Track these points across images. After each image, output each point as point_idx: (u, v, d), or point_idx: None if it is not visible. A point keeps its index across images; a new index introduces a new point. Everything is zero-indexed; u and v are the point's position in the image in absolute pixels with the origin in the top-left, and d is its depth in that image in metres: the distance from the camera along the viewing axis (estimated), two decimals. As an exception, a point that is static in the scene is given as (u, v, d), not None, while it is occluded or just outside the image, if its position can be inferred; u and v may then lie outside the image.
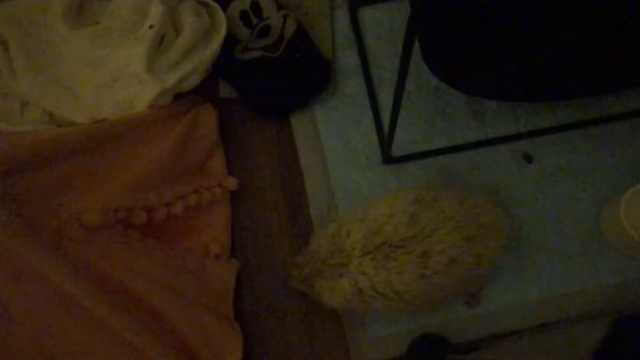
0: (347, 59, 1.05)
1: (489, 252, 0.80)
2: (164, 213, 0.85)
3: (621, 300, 0.92)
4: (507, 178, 0.98)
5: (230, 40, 0.97)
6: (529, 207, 0.97)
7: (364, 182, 0.98)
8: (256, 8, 0.99)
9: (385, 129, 0.95)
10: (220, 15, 0.94)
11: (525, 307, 0.92)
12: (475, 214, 0.80)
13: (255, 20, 0.98)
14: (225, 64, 0.98)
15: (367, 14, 1.07)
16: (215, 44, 0.93)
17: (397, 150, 0.98)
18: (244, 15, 0.98)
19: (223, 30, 0.93)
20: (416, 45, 0.67)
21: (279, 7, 0.99)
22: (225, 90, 1.02)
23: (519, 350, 0.89)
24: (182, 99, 0.94)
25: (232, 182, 0.95)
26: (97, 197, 0.80)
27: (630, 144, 0.99)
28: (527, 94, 0.91)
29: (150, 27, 0.87)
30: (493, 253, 0.81)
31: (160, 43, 0.89)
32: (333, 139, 1.00)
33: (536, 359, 0.89)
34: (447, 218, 0.76)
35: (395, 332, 0.91)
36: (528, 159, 0.99)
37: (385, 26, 1.06)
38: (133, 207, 0.81)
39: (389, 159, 0.98)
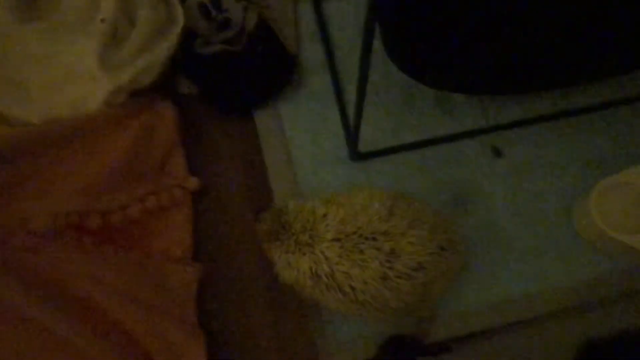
0: (312, 52, 1.01)
1: (450, 271, 0.77)
2: (120, 217, 0.81)
3: (594, 296, 0.91)
4: (476, 173, 0.96)
5: (189, 34, 0.93)
6: (499, 202, 0.95)
7: (332, 180, 0.95)
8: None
9: (352, 124, 0.92)
10: (178, 7, 0.90)
11: (497, 305, 0.90)
12: (446, 227, 0.77)
13: (214, 13, 0.94)
14: (184, 59, 0.94)
15: (332, 6, 1.04)
16: (172, 38, 0.89)
17: (364, 146, 0.95)
18: (202, 8, 0.94)
19: (180, 23, 0.89)
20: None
21: (239, -2, 0.95)
22: (185, 87, 0.98)
23: (492, 350, 0.87)
24: (139, 97, 0.90)
25: (193, 183, 0.91)
26: (47, 201, 0.76)
27: (601, 137, 0.98)
28: (495, 87, 0.89)
29: (102, 20, 0.83)
30: (453, 271, 0.78)
31: (114, 37, 0.85)
32: (299, 136, 0.97)
33: (510, 358, 0.87)
34: (423, 221, 0.73)
35: (364, 333, 0.88)
36: (498, 153, 0.97)
37: (352, 18, 1.03)
38: (86, 211, 0.78)
39: (356, 155, 0.95)
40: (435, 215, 0.77)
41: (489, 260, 0.92)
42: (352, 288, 0.71)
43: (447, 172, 0.96)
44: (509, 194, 0.95)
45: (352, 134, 0.92)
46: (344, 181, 0.95)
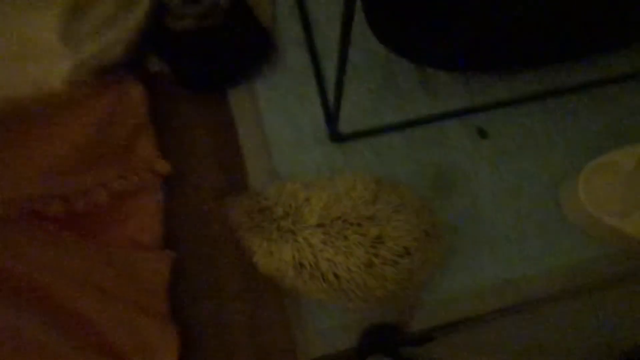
0: (289, 28, 0.96)
1: (435, 257, 0.74)
2: (84, 202, 0.77)
3: (581, 281, 0.88)
4: (460, 155, 0.93)
5: (159, 8, 0.87)
6: (483, 186, 0.91)
7: (310, 162, 0.91)
8: (186, -29, 0.89)
9: (332, 104, 0.88)
10: (145, -22, 0.84)
11: (481, 291, 0.87)
12: (430, 210, 0.74)
13: (185, -15, 0.89)
14: (154, 35, 0.89)
15: (310, -20, 0.99)
16: (140, 11, 0.84)
17: (344, 127, 0.91)
18: (172, -21, 0.89)
19: (149, -4, 0.84)
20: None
21: (212, -29, 0.90)
22: (155, 64, 0.92)
23: (477, 339, 0.84)
24: (105, 75, 0.85)
25: (163, 166, 0.86)
26: (4, 186, 0.71)
27: (589, 117, 0.95)
28: (477, 63, 0.86)
29: (62, -10, 0.77)
30: (437, 257, 0.76)
31: (75, 9, 0.79)
32: (275, 116, 0.93)
33: (496, 346, 0.84)
34: (408, 205, 0.70)
35: (344, 322, 0.85)
36: (483, 134, 0.93)
37: (331, -8, 0.99)
38: (47, 196, 0.73)
39: (336, 136, 0.91)
40: (420, 200, 0.74)
41: (473, 246, 0.89)
42: (336, 276, 0.68)
43: (430, 154, 0.92)
44: (494, 176, 0.92)
45: (331, 114, 0.88)
46: (322, 163, 0.91)
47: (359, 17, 0.77)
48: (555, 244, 0.89)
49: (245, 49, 0.92)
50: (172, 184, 0.88)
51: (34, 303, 0.67)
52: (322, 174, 0.90)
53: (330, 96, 0.92)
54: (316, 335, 0.84)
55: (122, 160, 0.83)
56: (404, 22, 0.65)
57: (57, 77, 0.79)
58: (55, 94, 0.79)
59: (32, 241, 0.70)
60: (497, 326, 0.85)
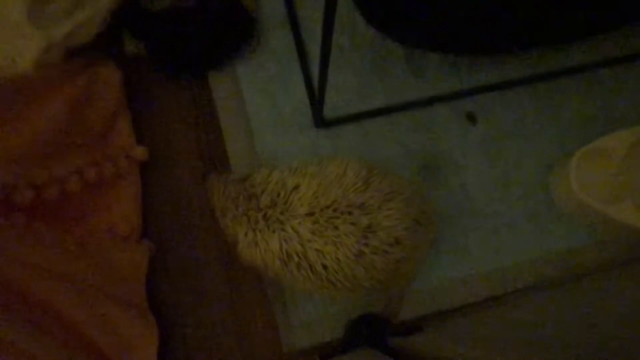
0: (272, 9, 0.93)
1: (424, 246, 0.72)
2: (56, 191, 0.73)
3: (571, 269, 0.86)
4: (449, 140, 0.90)
5: (135, -14, 0.83)
6: (472, 172, 0.89)
7: (294, 149, 0.88)
8: (163, -52, 0.85)
9: (316, 88, 0.85)
10: (119, -45, 0.80)
11: (470, 280, 0.85)
12: (420, 198, 0.72)
13: (161, -38, 0.85)
14: (130, 15, 0.85)
15: (294, -42, 0.95)
16: (112, -10, 0.79)
17: (330, 112, 0.88)
18: (148, -43, 0.84)
19: (122, -27, 0.79)
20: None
21: (190, -52, 0.86)
22: (132, 46, 0.88)
23: (467, 329, 0.81)
24: (78, 57, 0.80)
25: (141, 152, 0.83)
26: (-31, 174, 0.66)
27: (580, 102, 0.93)
28: (469, 45, 0.82)
29: (30, -33, 0.72)
30: (426, 246, 0.73)
31: (44, -13, 0.75)
32: (258, 100, 0.89)
33: (486, 336, 0.82)
34: (398, 192, 0.67)
35: (330, 313, 0.82)
36: (472, 119, 0.91)
37: (315, -29, 0.95)
38: (15, 184, 0.69)
39: (321, 121, 0.87)
40: (410, 187, 0.71)
41: (461, 233, 0.87)
42: (325, 267, 0.65)
43: (418, 139, 0.90)
44: (483, 162, 0.89)
45: (316, 98, 0.84)
46: (307, 149, 0.88)
47: (344, -2, 0.74)
48: (545, 232, 0.88)
49: (226, 30, 0.88)
50: (150, 171, 0.84)
51: (10, 302, 0.64)
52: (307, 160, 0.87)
53: (315, 80, 0.89)
54: (301, 326, 0.82)
55: (96, 147, 0.80)
56: (392, 0, 0.62)
57: (26, 59, 0.75)
58: (24, 77, 0.75)
59: (2, 233, 0.66)
60: (486, 316, 0.83)
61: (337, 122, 0.89)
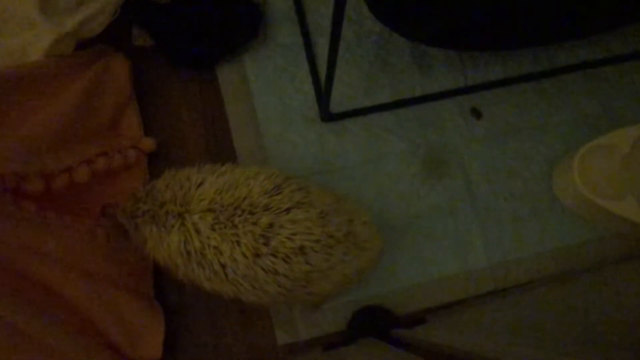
0: (279, 2, 0.93)
1: (346, 267, 0.68)
2: (65, 180, 0.73)
3: (574, 264, 0.87)
4: (454, 135, 0.91)
5: (144, -21, 0.84)
6: (476, 167, 0.90)
7: (301, 142, 0.89)
8: (172, -59, 0.86)
9: (323, 82, 0.85)
10: (129, -53, 0.81)
11: (473, 274, 0.86)
12: (347, 218, 0.68)
13: (170, -45, 0.85)
14: (139, 7, 0.86)
15: (302, -48, 0.95)
16: (123, -18, 0.80)
17: (336, 106, 0.88)
18: (157, -51, 0.85)
19: (132, -34, 0.80)
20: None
21: (199, -59, 0.86)
22: (140, 38, 0.89)
23: (469, 322, 0.82)
24: (88, 48, 0.81)
25: (148, 143, 0.84)
26: (-21, 162, 0.67)
27: (585, 98, 0.94)
28: (475, 41, 0.83)
29: (41, -42, 0.73)
30: (349, 270, 0.69)
31: (55, -21, 0.75)
32: (265, 94, 0.90)
33: (488, 328, 0.83)
34: (313, 206, 0.65)
35: (332, 304, 0.83)
36: (477, 114, 0.91)
37: (323, -35, 0.95)
38: (26, 173, 0.69)
39: (327, 115, 0.88)
40: (337, 202, 0.69)
41: (464, 228, 0.87)
42: (223, 266, 0.63)
43: (422, 134, 0.90)
44: (487, 157, 0.90)
45: (323, 93, 0.85)
46: (313, 142, 0.89)
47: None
48: (548, 227, 0.88)
49: (234, 23, 0.89)
50: (158, 162, 0.85)
51: (16, 287, 0.65)
52: (313, 154, 0.88)
53: (322, 74, 0.89)
54: (301, 318, 0.83)
55: (105, 137, 0.80)
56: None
57: (37, 50, 0.76)
58: (35, 67, 0.75)
59: (12, 221, 0.66)
60: (489, 308, 0.83)
61: (343, 116, 0.89)
